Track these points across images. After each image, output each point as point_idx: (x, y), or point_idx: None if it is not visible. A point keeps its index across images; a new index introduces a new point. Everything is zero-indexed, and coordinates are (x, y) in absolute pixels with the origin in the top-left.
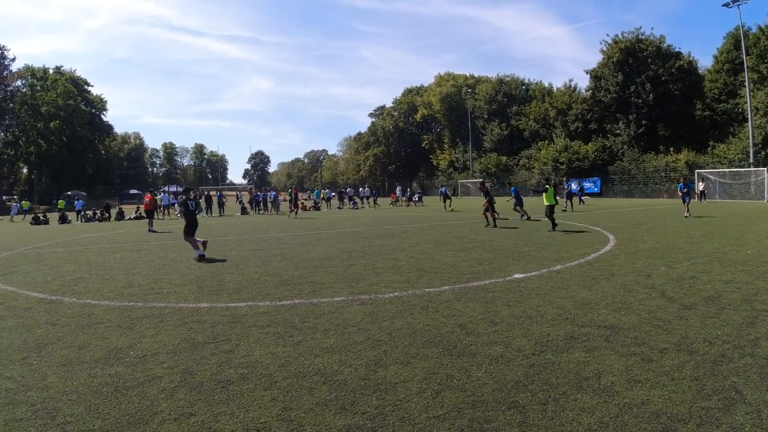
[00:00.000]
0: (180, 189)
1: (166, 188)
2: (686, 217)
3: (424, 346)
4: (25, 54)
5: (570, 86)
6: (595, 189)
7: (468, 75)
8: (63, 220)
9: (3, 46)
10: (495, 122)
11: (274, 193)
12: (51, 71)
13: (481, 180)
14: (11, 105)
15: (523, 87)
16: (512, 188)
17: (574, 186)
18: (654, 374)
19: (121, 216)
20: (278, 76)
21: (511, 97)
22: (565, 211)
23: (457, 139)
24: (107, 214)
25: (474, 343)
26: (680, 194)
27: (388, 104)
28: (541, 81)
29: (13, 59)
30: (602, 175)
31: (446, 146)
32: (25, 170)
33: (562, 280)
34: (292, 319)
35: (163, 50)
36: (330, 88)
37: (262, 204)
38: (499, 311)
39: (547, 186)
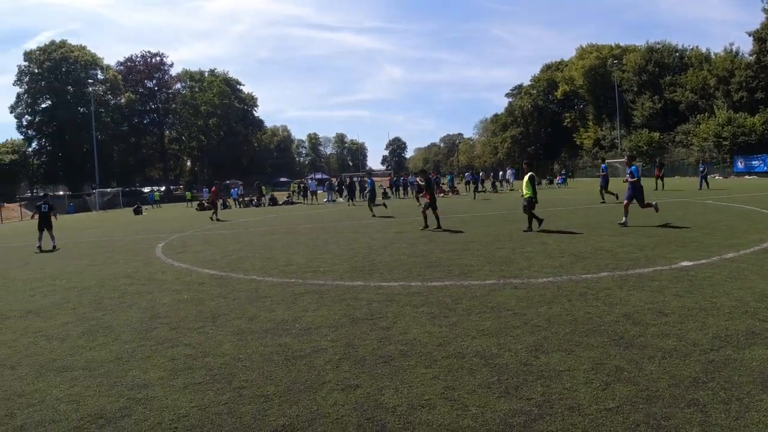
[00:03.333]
0: (325, 176)
1: (312, 175)
2: None
3: (587, 334)
4: (181, 60)
5: (731, 51)
6: (765, 167)
7: (613, 45)
8: (224, 205)
9: (162, 53)
10: (646, 95)
11: (413, 178)
12: (206, 74)
13: (421, 168)
14: (173, 106)
15: (677, 54)
16: (603, 165)
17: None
18: None
19: (273, 202)
20: (410, 63)
21: (664, 66)
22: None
23: (603, 115)
24: (262, 199)
25: (642, 334)
26: None
27: (525, 83)
28: (697, 46)
29: (171, 65)
30: None
31: (590, 124)
32: (188, 163)
33: (737, 270)
34: (444, 300)
35: (302, 47)
36: (462, 71)
37: (402, 188)
38: (668, 302)
39: (531, 173)
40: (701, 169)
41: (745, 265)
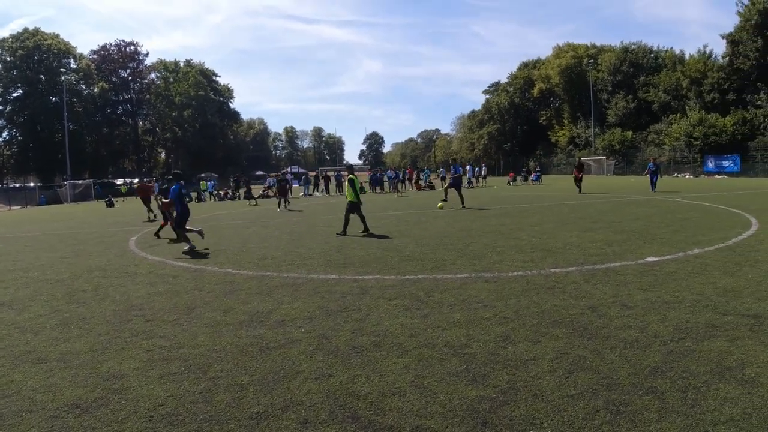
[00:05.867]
0: (300, 170)
1: (289, 170)
2: None
3: (553, 325)
4: (156, 49)
5: (704, 53)
6: (735, 167)
7: (589, 45)
8: (200, 199)
9: (136, 42)
10: (620, 94)
11: (391, 172)
12: (182, 64)
13: (283, 171)
14: (147, 96)
15: (652, 55)
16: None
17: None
18: None
19: (249, 195)
20: (389, 57)
21: (638, 67)
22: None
23: (578, 114)
24: (237, 193)
25: (606, 326)
26: None
27: (503, 80)
28: (671, 48)
29: (147, 54)
30: (742, 152)
31: (566, 122)
32: (162, 155)
33: (701, 265)
34: (417, 293)
35: (279, 39)
36: (441, 67)
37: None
38: (632, 295)
39: (352, 177)
40: (651, 168)
41: (709, 261)
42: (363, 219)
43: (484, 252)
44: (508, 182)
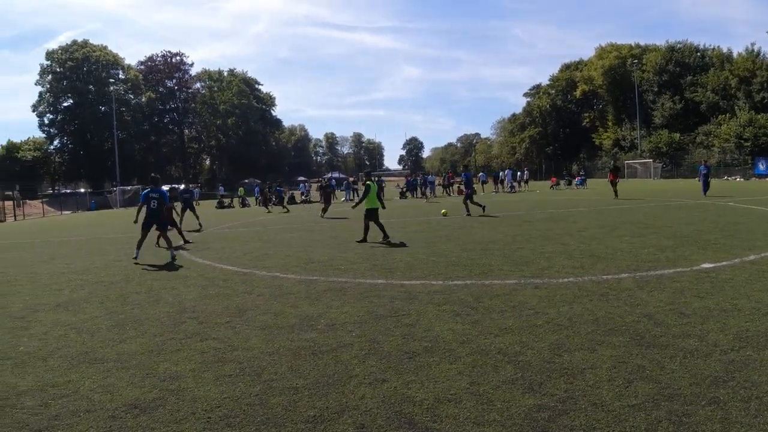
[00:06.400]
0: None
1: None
2: None
3: (609, 333)
4: (200, 59)
5: (752, 51)
6: None
7: (633, 44)
8: (243, 204)
9: (182, 53)
10: (666, 95)
11: (430, 177)
12: (225, 73)
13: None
14: (193, 105)
15: (698, 54)
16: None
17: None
18: None
19: (292, 200)
20: (427, 62)
21: (685, 66)
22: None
23: (623, 115)
24: (279, 198)
25: (664, 334)
26: None
27: (544, 82)
28: (718, 46)
29: (192, 64)
30: None
31: (610, 124)
32: (207, 161)
33: (758, 272)
34: (466, 299)
35: (319, 47)
36: (479, 70)
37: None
38: (689, 302)
39: (369, 182)
40: (702, 171)
41: (766, 267)
42: (381, 227)
43: (531, 258)
44: (551, 186)
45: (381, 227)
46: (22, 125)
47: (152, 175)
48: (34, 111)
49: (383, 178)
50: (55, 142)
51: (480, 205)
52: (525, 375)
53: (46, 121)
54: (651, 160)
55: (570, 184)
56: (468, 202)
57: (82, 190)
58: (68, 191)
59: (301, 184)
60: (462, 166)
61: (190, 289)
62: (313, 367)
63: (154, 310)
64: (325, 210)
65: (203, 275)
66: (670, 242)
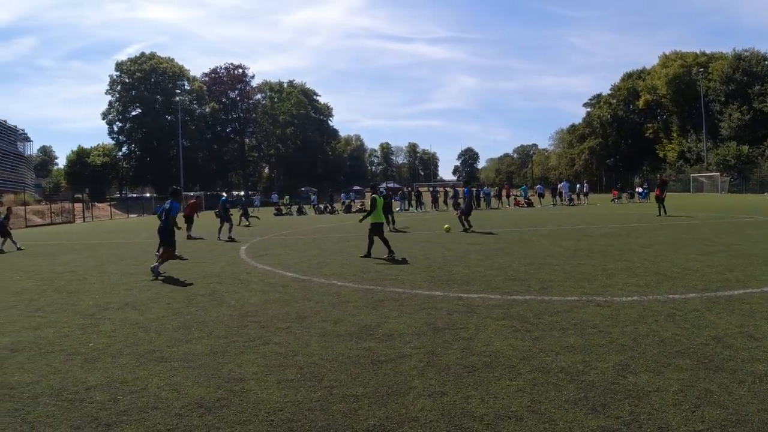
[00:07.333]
0: (396, 186)
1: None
2: None
3: (676, 356)
4: (261, 71)
5: None
6: None
7: (698, 52)
8: (300, 212)
9: (244, 65)
10: (734, 105)
11: (488, 189)
12: (285, 85)
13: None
14: (254, 115)
15: (766, 63)
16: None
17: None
18: None
19: (348, 209)
20: (482, 72)
21: (753, 75)
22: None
23: (688, 126)
24: (334, 207)
25: (733, 358)
26: None
27: (604, 92)
28: None
29: (253, 76)
30: None
31: (675, 135)
32: (266, 170)
33: None
34: (526, 314)
35: (376, 58)
36: (536, 80)
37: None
38: (759, 326)
39: (375, 196)
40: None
41: None
42: (386, 242)
43: (593, 274)
44: (612, 200)
45: (386, 242)
46: (93, 132)
47: (172, 187)
48: (104, 119)
49: (438, 188)
50: (123, 149)
51: (467, 224)
52: (588, 395)
53: (115, 129)
54: (718, 173)
55: (632, 197)
56: (462, 217)
57: (148, 195)
58: (134, 195)
59: (343, 194)
60: (463, 182)
61: (251, 294)
62: (372, 376)
63: (217, 313)
64: (390, 221)
65: (264, 280)
66: (739, 261)
